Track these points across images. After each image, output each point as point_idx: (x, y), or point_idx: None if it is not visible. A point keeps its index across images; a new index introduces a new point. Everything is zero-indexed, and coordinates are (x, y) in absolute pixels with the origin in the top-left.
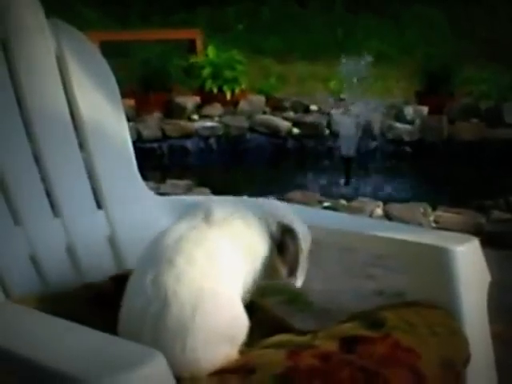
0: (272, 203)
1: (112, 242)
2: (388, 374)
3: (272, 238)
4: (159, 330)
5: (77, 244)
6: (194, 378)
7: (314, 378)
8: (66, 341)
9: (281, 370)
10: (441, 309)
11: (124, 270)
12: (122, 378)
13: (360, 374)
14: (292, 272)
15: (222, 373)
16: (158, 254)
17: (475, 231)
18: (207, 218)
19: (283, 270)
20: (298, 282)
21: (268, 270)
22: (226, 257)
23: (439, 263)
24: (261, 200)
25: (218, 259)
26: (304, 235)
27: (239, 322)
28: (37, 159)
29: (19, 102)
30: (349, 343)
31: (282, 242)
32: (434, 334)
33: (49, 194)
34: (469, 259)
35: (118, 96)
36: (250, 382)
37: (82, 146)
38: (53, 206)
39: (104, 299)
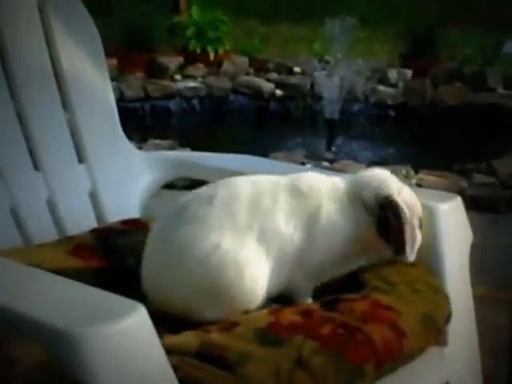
0: (373, 174)
1: (93, 196)
2: (368, 329)
3: (369, 212)
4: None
5: (58, 198)
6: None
7: (295, 332)
8: (49, 292)
9: (263, 325)
10: (422, 266)
11: (105, 224)
12: (104, 329)
13: (341, 330)
14: (399, 249)
15: (204, 325)
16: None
17: (458, 194)
18: (292, 181)
19: (390, 248)
20: (410, 258)
21: (362, 249)
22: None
23: (423, 220)
24: (362, 173)
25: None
26: (411, 205)
27: (244, 288)
28: (19, 114)
29: (1, 55)
30: (329, 302)
31: (383, 216)
32: (414, 291)
33: (31, 149)
34: (451, 217)
35: (103, 54)
36: (231, 334)
37: (64, 100)
38: (34, 160)
39: (85, 252)
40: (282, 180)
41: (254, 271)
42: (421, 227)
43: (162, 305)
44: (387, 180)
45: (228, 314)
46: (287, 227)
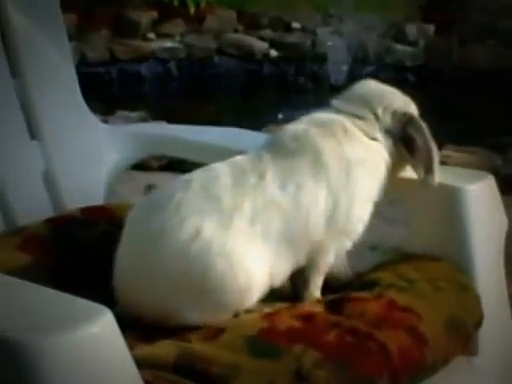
0: (370, 91)
1: (48, 179)
2: (382, 336)
3: (389, 133)
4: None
5: (5, 182)
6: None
7: (294, 341)
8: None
9: (255, 332)
10: (446, 261)
11: (62, 212)
12: (62, 337)
13: (349, 337)
14: (429, 168)
15: (184, 331)
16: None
17: (490, 173)
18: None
19: (417, 169)
20: (436, 178)
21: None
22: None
23: (446, 206)
24: (363, 84)
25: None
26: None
27: (234, 282)
28: None
29: None
30: (335, 303)
31: (405, 135)
32: (437, 289)
33: None
34: (482, 200)
35: (58, 9)
36: (216, 343)
37: (12, 65)
38: None
39: (38, 246)
40: (263, 151)
41: (248, 261)
42: None
43: (135, 307)
44: (389, 92)
45: (214, 317)
46: (287, 194)
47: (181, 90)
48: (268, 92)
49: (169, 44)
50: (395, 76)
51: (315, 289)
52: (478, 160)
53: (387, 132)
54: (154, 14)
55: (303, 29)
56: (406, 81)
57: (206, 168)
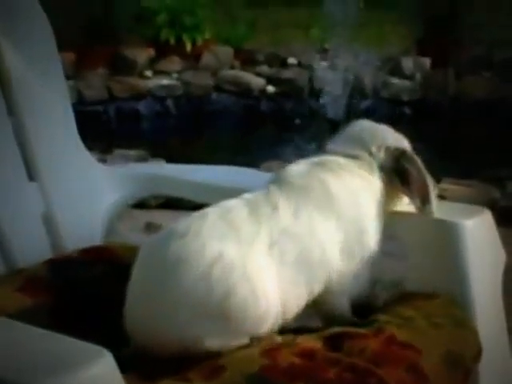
0: (363, 129)
1: (47, 219)
2: (383, 373)
3: (384, 168)
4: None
5: (4, 223)
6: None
7: (294, 378)
8: None
9: (256, 369)
10: (443, 297)
11: (61, 253)
12: (63, 380)
13: (349, 374)
14: (425, 199)
15: (186, 370)
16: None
17: (488, 207)
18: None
19: (414, 201)
20: (434, 208)
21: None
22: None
23: (444, 240)
24: (355, 125)
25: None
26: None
27: (257, 306)
28: None
29: None
30: (334, 340)
31: (399, 169)
32: (435, 325)
33: None
34: (479, 235)
35: (55, 47)
36: (217, 382)
37: (9, 104)
38: None
39: (37, 287)
40: (271, 187)
41: (267, 286)
42: None
43: (150, 339)
44: (381, 130)
45: (233, 342)
46: (301, 222)
47: (179, 127)
48: (266, 128)
49: (166, 81)
50: (392, 110)
51: (344, 312)
52: (475, 193)
53: (382, 168)
54: (151, 52)
55: (299, 64)
56: (402, 115)
57: (218, 204)
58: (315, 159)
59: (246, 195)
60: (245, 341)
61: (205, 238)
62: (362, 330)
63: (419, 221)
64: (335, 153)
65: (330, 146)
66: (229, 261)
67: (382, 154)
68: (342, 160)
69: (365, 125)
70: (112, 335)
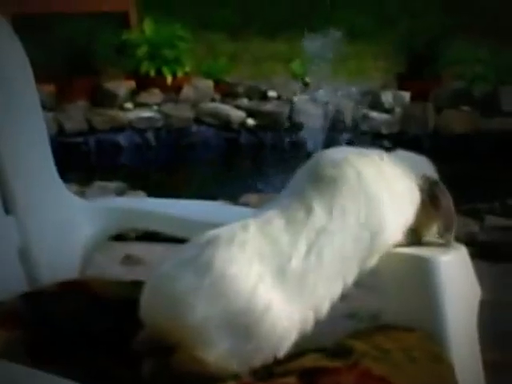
0: (412, 156)
1: (24, 253)
2: None
3: (421, 192)
4: None
5: None
6: None
7: None
8: None
9: None
10: (419, 331)
11: (38, 287)
12: None
13: None
14: (448, 227)
15: None
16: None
17: (466, 240)
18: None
19: (439, 225)
20: (452, 239)
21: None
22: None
23: (419, 276)
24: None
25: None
26: None
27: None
28: None
29: None
30: (309, 376)
31: (431, 195)
32: (411, 360)
33: None
34: (454, 271)
35: (32, 82)
36: None
37: None
38: None
39: (13, 322)
40: (304, 184)
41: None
42: None
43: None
44: (420, 160)
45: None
46: (334, 219)
47: (159, 159)
48: (245, 160)
49: (146, 114)
50: (371, 143)
51: None
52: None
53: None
54: (132, 84)
55: (279, 97)
56: (382, 148)
57: (256, 215)
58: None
59: (283, 200)
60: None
61: (249, 255)
62: (336, 364)
63: (395, 256)
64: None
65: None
66: (277, 313)
67: (419, 180)
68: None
69: (405, 154)
70: (89, 370)
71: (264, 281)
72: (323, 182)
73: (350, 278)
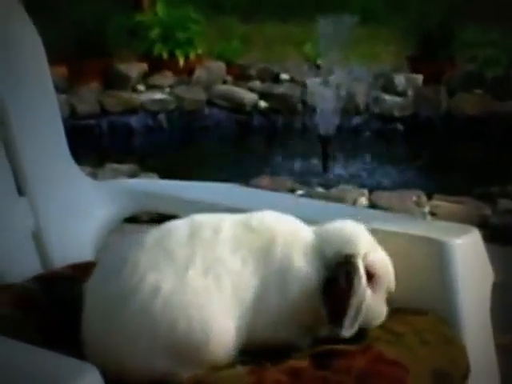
0: (344, 227)
1: (37, 235)
2: None
3: (324, 268)
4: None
5: None
6: None
7: None
8: None
9: None
10: (432, 314)
11: (51, 269)
12: None
13: None
14: (335, 318)
15: None
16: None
17: (479, 224)
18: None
19: (325, 314)
20: (344, 332)
21: (309, 312)
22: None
23: (432, 259)
24: (333, 224)
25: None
26: (378, 273)
27: (198, 343)
28: None
29: None
30: (322, 358)
31: (334, 276)
32: (424, 343)
33: None
34: (468, 254)
35: (45, 62)
36: None
37: (0, 122)
38: None
39: (27, 303)
40: (227, 216)
41: (206, 314)
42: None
43: (108, 369)
44: (358, 236)
45: (188, 371)
46: (234, 260)
47: (171, 141)
48: (257, 143)
49: (158, 96)
50: (384, 126)
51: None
52: (466, 210)
53: (326, 266)
54: (144, 67)
55: (292, 80)
56: (394, 131)
57: (164, 224)
58: (297, 224)
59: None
60: (201, 369)
61: (143, 271)
62: (350, 348)
63: (408, 239)
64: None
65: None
66: (167, 293)
67: (332, 256)
68: (306, 242)
69: (347, 225)
70: None
71: (161, 289)
72: (242, 224)
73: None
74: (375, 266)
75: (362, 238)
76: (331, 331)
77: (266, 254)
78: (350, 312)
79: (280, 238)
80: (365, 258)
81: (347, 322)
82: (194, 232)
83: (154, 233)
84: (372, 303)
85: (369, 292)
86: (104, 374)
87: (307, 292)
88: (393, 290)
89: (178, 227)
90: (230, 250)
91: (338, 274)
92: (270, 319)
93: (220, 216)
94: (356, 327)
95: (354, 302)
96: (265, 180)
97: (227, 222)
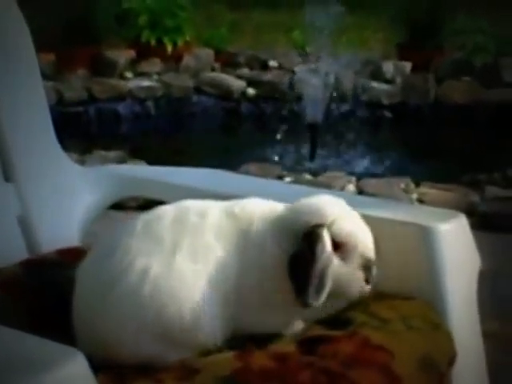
0: (315, 200)
1: (23, 221)
2: (355, 375)
3: (296, 243)
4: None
5: None
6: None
7: (267, 381)
8: None
9: (228, 372)
10: (419, 300)
11: (37, 255)
12: (36, 381)
13: (322, 377)
14: (301, 287)
15: (158, 372)
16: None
17: (467, 211)
18: (225, 205)
19: (292, 285)
20: (312, 302)
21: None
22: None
23: (418, 244)
24: (307, 199)
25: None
26: (349, 238)
27: (187, 327)
28: None
29: None
30: (308, 343)
31: (299, 249)
32: (410, 328)
33: None
34: (454, 239)
35: (32, 49)
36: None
37: None
38: None
39: (13, 288)
40: (215, 203)
41: (194, 299)
42: (368, 269)
43: (98, 353)
44: (326, 207)
45: (177, 355)
46: (218, 245)
47: (158, 128)
48: (245, 130)
49: (146, 83)
50: (372, 114)
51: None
52: (454, 197)
53: (296, 240)
54: (132, 53)
55: (280, 67)
56: (382, 118)
57: (154, 209)
58: (275, 205)
59: (188, 201)
60: (190, 354)
61: (132, 256)
62: (336, 333)
63: (394, 224)
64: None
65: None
66: (154, 276)
67: (300, 229)
68: (278, 220)
69: (319, 198)
70: None
71: (149, 273)
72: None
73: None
74: (343, 235)
75: (328, 209)
76: (300, 305)
77: (244, 237)
78: (314, 280)
79: (257, 220)
80: (330, 227)
81: (311, 289)
82: (182, 217)
83: (143, 218)
84: (343, 272)
85: (336, 260)
86: (91, 358)
87: (283, 268)
88: (371, 258)
89: (167, 213)
90: (215, 236)
91: (303, 246)
92: (255, 303)
93: (208, 203)
94: (323, 296)
95: (316, 269)
96: (253, 167)
97: (213, 208)
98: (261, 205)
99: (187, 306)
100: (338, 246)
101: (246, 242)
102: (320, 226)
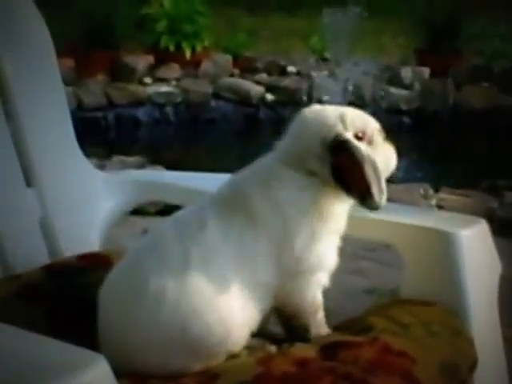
0: (309, 117)
1: (45, 225)
2: (377, 381)
3: (322, 163)
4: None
5: (2, 228)
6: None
7: None
8: None
9: (250, 377)
10: (440, 305)
11: (58, 259)
12: None
13: (344, 382)
14: (365, 195)
15: (179, 377)
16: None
17: (485, 217)
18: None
19: (354, 199)
20: (380, 201)
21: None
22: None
23: (440, 250)
24: (292, 126)
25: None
26: (361, 126)
27: (217, 341)
28: None
29: None
30: (329, 349)
31: (337, 164)
32: (431, 334)
33: None
34: (475, 245)
35: (53, 55)
36: None
37: (7, 111)
38: None
39: (34, 293)
40: (206, 202)
41: (220, 311)
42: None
43: (124, 367)
44: (326, 117)
45: (207, 364)
46: (229, 244)
47: (177, 134)
48: (264, 136)
49: (165, 88)
50: (391, 119)
51: (318, 328)
52: (473, 203)
53: (319, 159)
54: (151, 59)
55: (299, 73)
56: (401, 124)
57: (155, 231)
58: (254, 165)
59: (180, 212)
60: (218, 361)
61: (144, 277)
62: (357, 339)
63: (415, 230)
64: (279, 151)
65: (278, 144)
66: (172, 298)
67: (318, 150)
68: (277, 165)
69: (310, 114)
70: None
71: (167, 294)
72: (221, 203)
73: (266, 302)
74: (357, 125)
75: (328, 114)
76: (370, 208)
77: (250, 213)
78: (371, 179)
79: (256, 184)
80: (345, 127)
81: (374, 189)
82: (180, 230)
83: (148, 239)
84: (378, 152)
85: (369, 149)
86: (114, 365)
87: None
88: (381, 131)
89: (166, 230)
90: (222, 236)
91: (336, 161)
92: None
93: (199, 205)
94: (385, 188)
95: (367, 169)
96: None
97: (207, 207)
98: (242, 172)
99: (214, 321)
100: (359, 137)
101: (260, 207)
102: (338, 133)
